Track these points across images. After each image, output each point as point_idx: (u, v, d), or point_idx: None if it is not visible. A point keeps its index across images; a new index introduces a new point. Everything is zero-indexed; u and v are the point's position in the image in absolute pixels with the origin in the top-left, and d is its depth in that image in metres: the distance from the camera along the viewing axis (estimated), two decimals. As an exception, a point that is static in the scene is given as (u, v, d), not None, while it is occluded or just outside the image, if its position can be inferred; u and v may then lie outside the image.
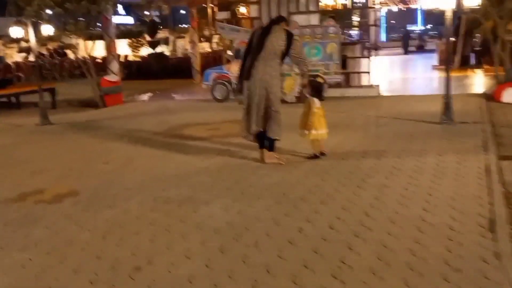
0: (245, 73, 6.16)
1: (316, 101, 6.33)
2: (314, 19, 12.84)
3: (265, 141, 6.31)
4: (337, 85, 12.50)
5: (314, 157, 6.44)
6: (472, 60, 18.96)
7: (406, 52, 29.73)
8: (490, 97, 10.67)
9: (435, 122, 8.24)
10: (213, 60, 21.08)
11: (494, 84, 10.85)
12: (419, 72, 19.55)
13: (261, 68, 6.02)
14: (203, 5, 19.73)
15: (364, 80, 13.12)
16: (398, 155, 6.32)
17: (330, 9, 15.03)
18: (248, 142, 6.52)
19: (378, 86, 12.68)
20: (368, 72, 12.86)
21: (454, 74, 16.54)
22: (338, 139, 7.46)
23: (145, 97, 15.71)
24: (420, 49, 32.36)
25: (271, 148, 6.28)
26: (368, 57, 12.99)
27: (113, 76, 14.01)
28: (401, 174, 5.53)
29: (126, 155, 7.34)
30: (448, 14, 8.14)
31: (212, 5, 17.29)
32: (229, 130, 8.85)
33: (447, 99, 8.14)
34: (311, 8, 13.06)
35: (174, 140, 8.20)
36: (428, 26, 53.85)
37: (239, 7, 16.77)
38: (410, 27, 50.11)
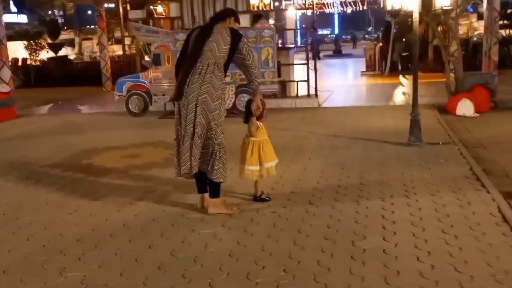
0: (176, 92, 4.45)
1: (259, 124, 4.77)
2: (245, 21, 11.26)
3: (206, 184, 4.62)
4: (273, 95, 11.05)
5: (261, 199, 4.90)
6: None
7: (316, 57, 26.63)
8: (442, 109, 9.69)
9: (402, 144, 6.95)
10: (127, 65, 18.85)
11: (446, 95, 9.89)
12: (348, 79, 18.62)
13: (198, 84, 4.34)
14: (113, 3, 17.50)
15: (301, 89, 11.75)
16: (380, 196, 4.87)
17: (257, 9, 13.60)
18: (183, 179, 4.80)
19: (317, 96, 11.37)
20: (307, 81, 11.51)
21: (386, 81, 15.93)
22: (295, 171, 5.92)
23: (45, 109, 13.30)
24: (337, 53, 32.00)
25: (214, 193, 4.58)
26: (306, 64, 11.63)
27: (3, 86, 11.54)
28: (399, 230, 4.06)
29: (11, 202, 5.29)
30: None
31: (124, 4, 15.19)
32: (152, 157, 7.02)
33: (415, 116, 6.89)
34: (240, 7, 11.48)
35: (79, 175, 6.22)
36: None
37: (156, 6, 14.80)
38: (322, 32, 50.19)
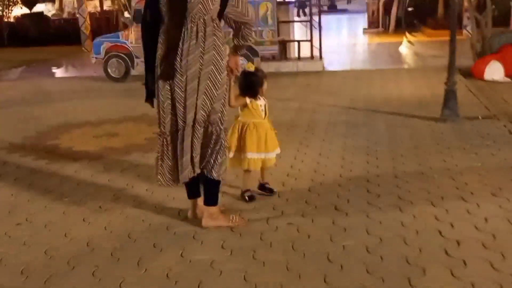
0: (165, 68, 3.15)
1: (248, 101, 3.73)
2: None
3: (199, 186, 3.44)
4: (272, 58, 9.76)
5: (248, 197, 3.82)
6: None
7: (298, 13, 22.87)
8: (466, 72, 8.47)
9: (433, 118, 5.78)
10: (106, 22, 17.30)
11: (469, 56, 8.66)
12: (350, 37, 17.19)
13: (198, 53, 3.08)
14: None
15: (303, 50, 10.43)
16: (427, 197, 3.71)
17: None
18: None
19: (322, 58, 10.08)
20: (310, 40, 10.18)
21: (393, 40, 14.60)
22: (308, 157, 4.74)
23: (15, 73, 11.88)
24: (332, 9, 30.30)
25: (213, 199, 3.39)
26: (309, 20, 10.28)
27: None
28: (468, 256, 2.90)
29: None
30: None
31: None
32: (132, 136, 5.80)
33: (451, 86, 5.68)
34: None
35: (40, 163, 5.00)
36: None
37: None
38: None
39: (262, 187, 3.93)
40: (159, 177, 3.29)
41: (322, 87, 8.35)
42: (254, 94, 3.76)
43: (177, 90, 3.12)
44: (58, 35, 16.88)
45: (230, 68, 3.38)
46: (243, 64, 4.07)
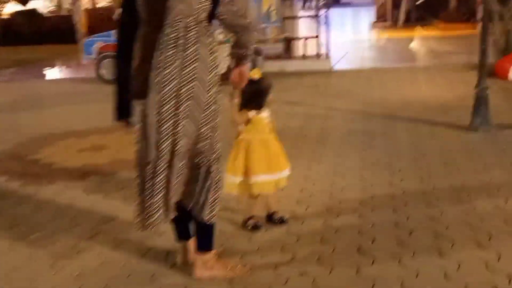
0: (135, 84, 2.50)
1: (252, 115, 3.14)
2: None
3: (189, 225, 2.78)
4: (276, 57, 9.08)
5: (252, 226, 3.22)
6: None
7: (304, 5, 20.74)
8: (488, 72, 7.74)
9: (462, 127, 5.09)
10: (106, 19, 16.59)
11: (493, 53, 7.93)
12: (358, 33, 16.45)
13: (176, 66, 2.40)
14: None
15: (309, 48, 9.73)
16: (471, 235, 3.02)
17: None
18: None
19: (329, 57, 9.38)
20: (317, 37, 9.48)
21: (403, 35, 13.87)
22: (321, 177, 4.07)
23: (6, 75, 11.24)
24: (336, 2, 29.48)
25: (207, 244, 2.72)
26: (316, 15, 9.57)
27: None
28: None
29: None
30: None
31: None
32: (121, 150, 5.13)
33: (482, 90, 5.00)
34: None
35: (13, 185, 4.33)
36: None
37: None
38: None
39: (270, 218, 3.29)
40: (136, 219, 2.62)
41: (331, 88, 7.67)
42: (258, 106, 3.12)
43: (149, 113, 2.45)
44: (53, 33, 16.20)
45: (233, 82, 2.75)
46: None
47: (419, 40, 12.59)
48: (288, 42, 9.49)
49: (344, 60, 10.03)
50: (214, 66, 2.49)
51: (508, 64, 7.45)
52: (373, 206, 3.50)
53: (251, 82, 3.07)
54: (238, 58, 2.70)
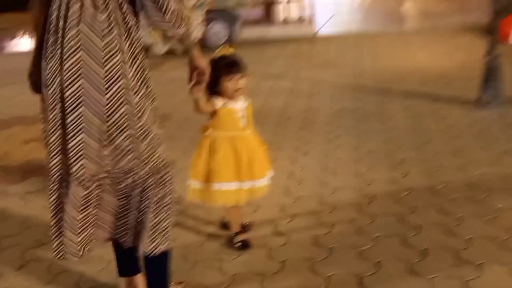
0: (29, 73, 1.85)
1: (219, 105, 2.44)
2: None
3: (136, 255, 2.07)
4: (255, 22, 8.25)
5: (240, 245, 2.56)
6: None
7: None
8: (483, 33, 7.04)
9: (469, 102, 4.42)
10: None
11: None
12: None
13: (51, 53, 1.70)
14: None
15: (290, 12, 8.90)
16: (494, 253, 2.39)
17: None
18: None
19: (313, 21, 8.58)
20: None
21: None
22: (308, 173, 3.38)
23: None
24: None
25: (159, 280, 2.02)
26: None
27: None
28: None
29: None
30: None
31: None
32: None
33: (493, 59, 4.30)
34: None
35: None
36: None
37: None
38: None
39: (230, 240, 2.61)
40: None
41: (316, 57, 6.92)
42: (228, 94, 2.41)
43: (48, 111, 1.75)
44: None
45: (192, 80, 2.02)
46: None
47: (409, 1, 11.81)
48: (268, 6, 8.64)
49: (329, 23, 9.22)
50: (111, 54, 1.68)
51: (509, 27, 6.73)
52: (374, 214, 2.81)
53: (216, 60, 2.36)
54: (185, 51, 1.98)
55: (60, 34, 1.66)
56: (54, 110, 1.71)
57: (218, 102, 2.41)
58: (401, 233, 2.60)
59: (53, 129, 1.73)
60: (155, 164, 1.83)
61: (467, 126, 3.99)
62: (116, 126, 1.72)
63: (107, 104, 1.69)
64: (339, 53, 6.98)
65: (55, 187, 1.81)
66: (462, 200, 2.90)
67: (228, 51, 2.44)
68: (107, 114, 1.70)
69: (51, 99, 1.71)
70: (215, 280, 2.32)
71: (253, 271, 2.37)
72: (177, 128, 4.36)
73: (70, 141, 1.71)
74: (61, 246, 1.86)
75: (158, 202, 1.85)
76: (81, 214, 1.79)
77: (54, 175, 1.79)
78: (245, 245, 2.55)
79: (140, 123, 1.76)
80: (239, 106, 2.45)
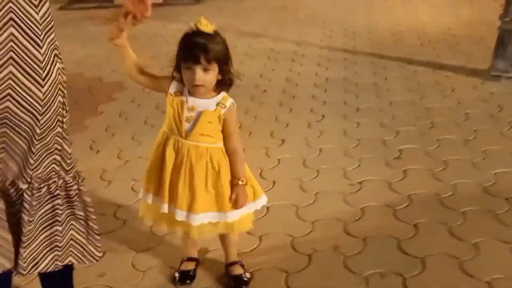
0: None
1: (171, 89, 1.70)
2: None
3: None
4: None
5: (179, 278, 1.91)
6: None
7: None
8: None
9: (479, 72, 3.74)
10: None
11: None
12: None
13: None
14: None
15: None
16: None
17: None
18: None
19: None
20: None
21: None
22: (286, 172, 2.68)
23: None
24: None
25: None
26: None
27: None
28: None
29: None
30: None
31: None
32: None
33: (508, 22, 3.57)
34: None
35: None
36: None
37: None
38: None
39: (233, 276, 1.95)
40: None
41: (302, 11, 6.10)
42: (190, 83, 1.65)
43: None
44: None
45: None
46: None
47: None
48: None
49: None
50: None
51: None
52: (362, 232, 2.17)
53: (190, 34, 1.60)
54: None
55: None
56: None
57: (172, 86, 1.69)
58: (407, 267, 1.96)
59: None
60: (61, 179, 1.24)
61: (478, 105, 3.32)
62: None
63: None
64: (329, 6, 6.16)
65: None
66: (481, 216, 2.26)
67: (207, 26, 1.64)
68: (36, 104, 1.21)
69: None
70: None
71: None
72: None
73: None
74: None
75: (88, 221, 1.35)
76: None
77: None
78: (181, 278, 1.91)
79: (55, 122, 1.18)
80: (193, 102, 1.70)
